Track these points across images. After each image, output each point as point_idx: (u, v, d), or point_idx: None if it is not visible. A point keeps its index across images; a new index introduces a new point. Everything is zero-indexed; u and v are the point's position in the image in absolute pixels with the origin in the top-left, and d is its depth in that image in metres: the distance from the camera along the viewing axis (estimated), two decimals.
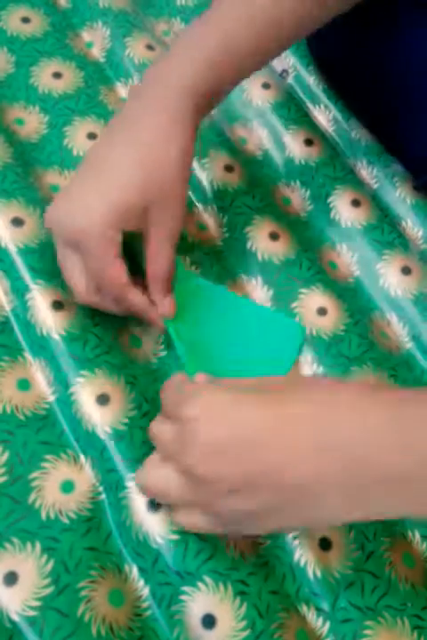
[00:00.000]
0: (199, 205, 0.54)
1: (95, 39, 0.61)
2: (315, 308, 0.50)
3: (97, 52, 0.61)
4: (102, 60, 0.60)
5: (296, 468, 0.32)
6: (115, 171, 0.41)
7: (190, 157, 0.43)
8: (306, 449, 0.32)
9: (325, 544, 0.40)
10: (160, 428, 0.37)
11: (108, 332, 0.45)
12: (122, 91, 0.59)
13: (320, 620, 0.39)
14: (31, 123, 0.55)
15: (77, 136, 0.54)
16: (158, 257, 0.43)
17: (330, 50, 0.58)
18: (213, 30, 0.43)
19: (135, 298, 0.43)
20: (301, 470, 0.32)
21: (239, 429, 0.33)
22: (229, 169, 0.55)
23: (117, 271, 0.41)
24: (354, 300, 0.52)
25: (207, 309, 0.48)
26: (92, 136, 0.55)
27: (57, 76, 0.57)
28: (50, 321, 0.44)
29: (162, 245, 0.43)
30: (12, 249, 0.46)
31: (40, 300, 0.45)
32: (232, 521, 0.35)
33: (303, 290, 0.50)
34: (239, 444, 0.33)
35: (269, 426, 0.33)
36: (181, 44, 0.44)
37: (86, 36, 0.62)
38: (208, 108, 0.45)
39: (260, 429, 0.33)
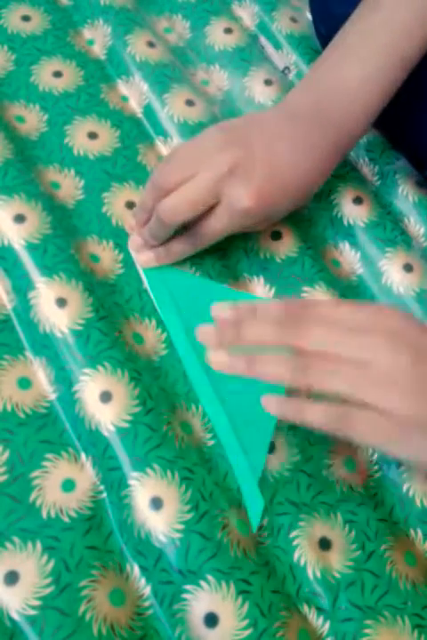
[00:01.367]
0: None
1: (96, 37, 0.61)
2: None
3: (98, 50, 0.61)
4: (103, 57, 0.60)
5: None
6: (286, 171, 0.46)
7: (317, 187, 0.49)
8: None
9: (324, 544, 0.40)
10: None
11: (111, 326, 0.45)
12: (123, 89, 0.59)
13: (321, 619, 0.39)
14: (31, 121, 0.55)
15: (78, 135, 0.54)
16: (212, 225, 0.45)
17: None
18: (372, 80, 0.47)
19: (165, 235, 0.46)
20: None
21: None
22: None
23: (195, 213, 0.44)
24: (357, 298, 0.51)
25: (207, 307, 0.48)
26: (92, 135, 0.54)
27: (57, 74, 0.57)
28: (54, 317, 0.44)
29: (222, 220, 0.45)
30: (16, 246, 0.46)
31: (45, 297, 0.45)
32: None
33: (306, 288, 0.50)
34: None
35: None
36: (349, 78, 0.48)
37: (87, 33, 0.61)
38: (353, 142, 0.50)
39: None
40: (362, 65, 0.48)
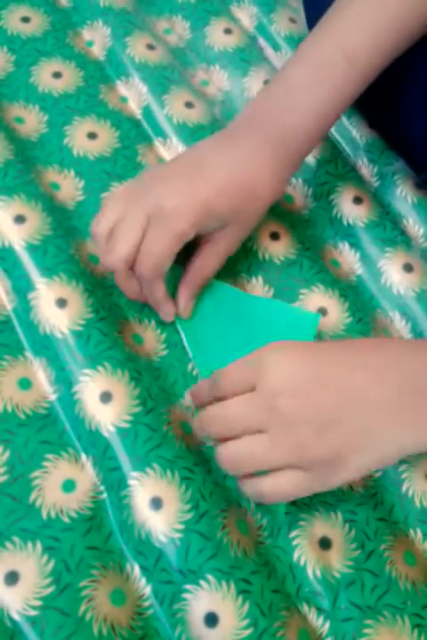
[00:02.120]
0: None
1: (96, 38, 0.61)
2: (315, 307, 0.50)
3: (97, 51, 0.61)
4: (103, 58, 0.60)
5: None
6: (211, 171, 0.44)
7: (280, 192, 0.48)
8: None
9: (324, 543, 0.40)
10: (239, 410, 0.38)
11: (111, 327, 0.45)
12: (122, 90, 0.59)
13: (321, 619, 0.39)
14: (31, 122, 0.55)
15: (77, 135, 0.54)
16: (206, 262, 0.46)
17: None
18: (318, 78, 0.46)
19: (161, 290, 0.45)
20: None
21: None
22: None
23: (168, 258, 0.44)
24: (357, 299, 0.51)
25: (216, 308, 0.48)
26: (92, 136, 0.55)
27: (57, 75, 0.57)
28: (54, 318, 0.44)
29: (216, 254, 0.46)
30: (17, 247, 0.46)
31: (45, 297, 0.45)
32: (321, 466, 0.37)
33: (303, 290, 0.50)
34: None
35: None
36: (296, 83, 0.47)
37: (87, 34, 0.61)
38: (308, 153, 0.48)
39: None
40: (305, 70, 0.47)
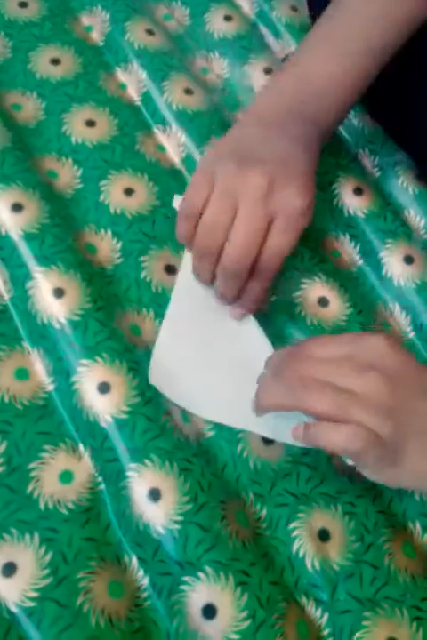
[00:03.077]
0: None
1: (94, 23, 0.60)
2: (317, 297, 0.49)
3: (96, 37, 0.60)
4: (101, 44, 0.60)
5: None
6: (305, 167, 0.45)
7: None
8: None
9: (324, 535, 0.40)
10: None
11: (110, 317, 0.45)
12: (121, 76, 0.58)
13: (319, 611, 0.39)
14: (28, 109, 0.54)
15: (76, 123, 0.54)
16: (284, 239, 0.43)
17: None
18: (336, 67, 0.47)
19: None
20: None
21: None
22: None
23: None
24: (357, 290, 0.51)
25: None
26: (90, 123, 0.54)
27: (55, 61, 0.57)
28: (51, 308, 0.44)
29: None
30: (14, 236, 0.46)
31: (42, 287, 0.44)
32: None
33: (305, 280, 0.50)
34: None
35: None
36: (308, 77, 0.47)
37: (85, 20, 0.61)
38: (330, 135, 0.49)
39: None
40: (329, 61, 0.47)
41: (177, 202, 0.49)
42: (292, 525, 0.40)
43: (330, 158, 0.56)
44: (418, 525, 0.42)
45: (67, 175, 0.52)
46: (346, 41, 0.47)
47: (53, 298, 0.44)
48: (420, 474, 0.38)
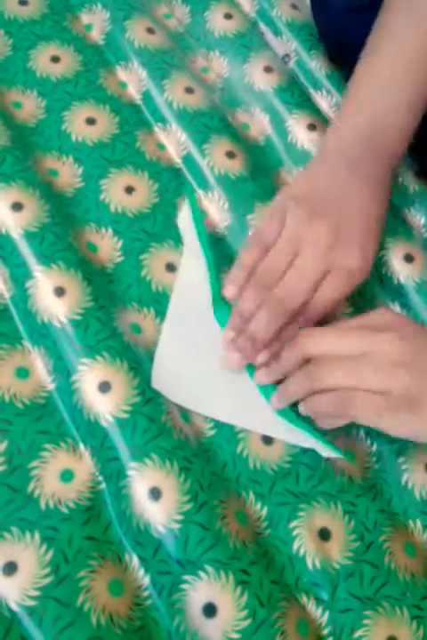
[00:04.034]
0: (200, 192, 0.53)
1: (94, 21, 0.60)
2: None
3: (96, 35, 0.60)
4: (101, 42, 0.60)
5: None
6: (370, 223, 0.47)
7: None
8: None
9: (324, 534, 0.40)
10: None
11: (110, 315, 0.45)
12: (121, 74, 0.58)
13: (320, 609, 0.39)
14: (28, 107, 0.54)
15: (76, 121, 0.54)
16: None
17: (340, 32, 0.58)
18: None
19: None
20: None
21: None
22: (230, 155, 0.54)
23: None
24: (357, 288, 0.51)
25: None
26: (90, 121, 0.54)
27: (55, 59, 0.57)
28: (52, 307, 0.44)
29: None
30: (14, 235, 0.46)
31: (43, 286, 0.44)
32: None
33: None
34: None
35: None
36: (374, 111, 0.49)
37: (85, 18, 0.61)
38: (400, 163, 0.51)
39: None
40: (393, 96, 0.49)
41: (180, 220, 0.50)
42: (292, 524, 0.40)
43: None
44: (419, 524, 0.43)
45: (67, 173, 0.52)
46: (405, 73, 0.49)
47: (54, 297, 0.44)
48: None
